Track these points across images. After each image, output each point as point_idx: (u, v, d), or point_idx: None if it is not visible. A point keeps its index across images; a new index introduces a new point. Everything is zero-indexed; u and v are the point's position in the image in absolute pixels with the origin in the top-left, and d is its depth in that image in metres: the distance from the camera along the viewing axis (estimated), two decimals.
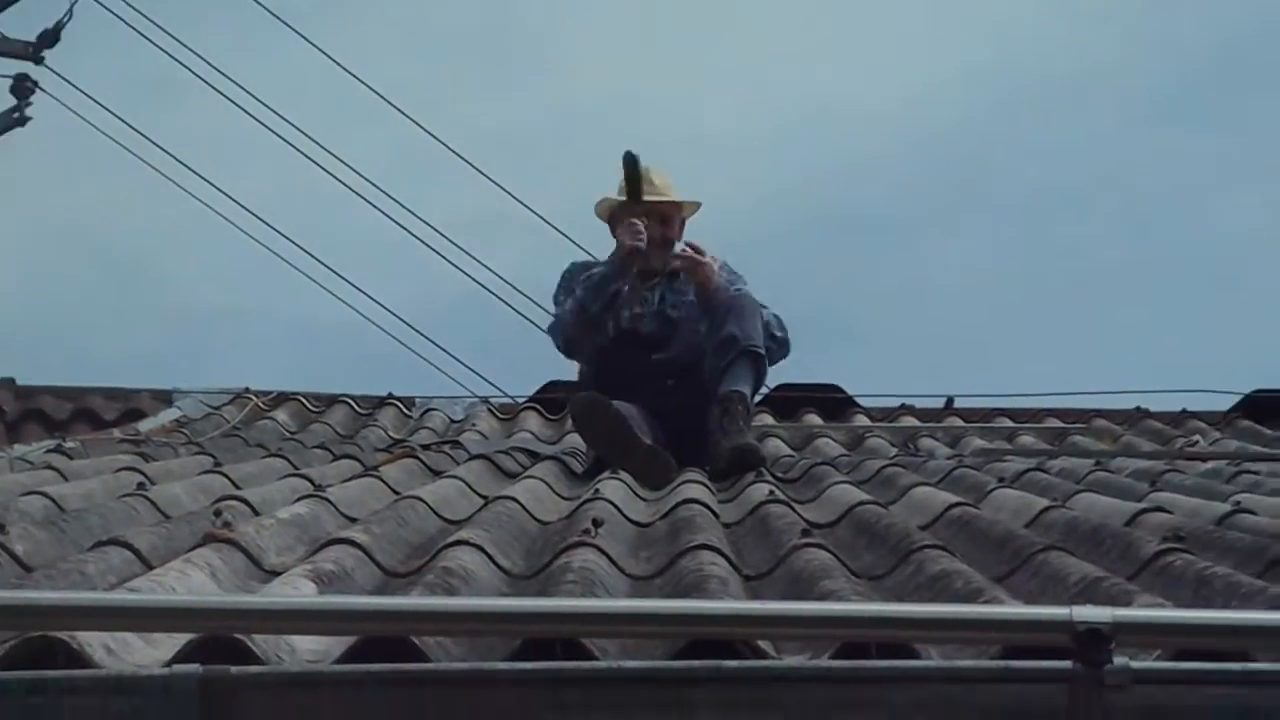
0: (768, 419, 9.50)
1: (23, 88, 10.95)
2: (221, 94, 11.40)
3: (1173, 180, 22.59)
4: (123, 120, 11.31)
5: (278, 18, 11.62)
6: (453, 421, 9.66)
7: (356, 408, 10.04)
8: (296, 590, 3.58)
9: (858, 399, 10.43)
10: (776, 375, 7.47)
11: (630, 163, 7.10)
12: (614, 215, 7.32)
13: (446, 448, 7.66)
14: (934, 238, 22.94)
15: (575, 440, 7.77)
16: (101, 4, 11.15)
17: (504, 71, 22.16)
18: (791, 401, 10.08)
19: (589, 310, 7.11)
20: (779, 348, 7.24)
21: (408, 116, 11.74)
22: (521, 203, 11.48)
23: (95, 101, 11.25)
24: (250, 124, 11.45)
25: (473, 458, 7.00)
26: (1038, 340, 20.97)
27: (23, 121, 10.94)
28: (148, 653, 3.04)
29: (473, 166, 11.65)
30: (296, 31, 11.68)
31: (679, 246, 7.19)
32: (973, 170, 23.01)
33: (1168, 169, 22.69)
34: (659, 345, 7.16)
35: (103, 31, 11.56)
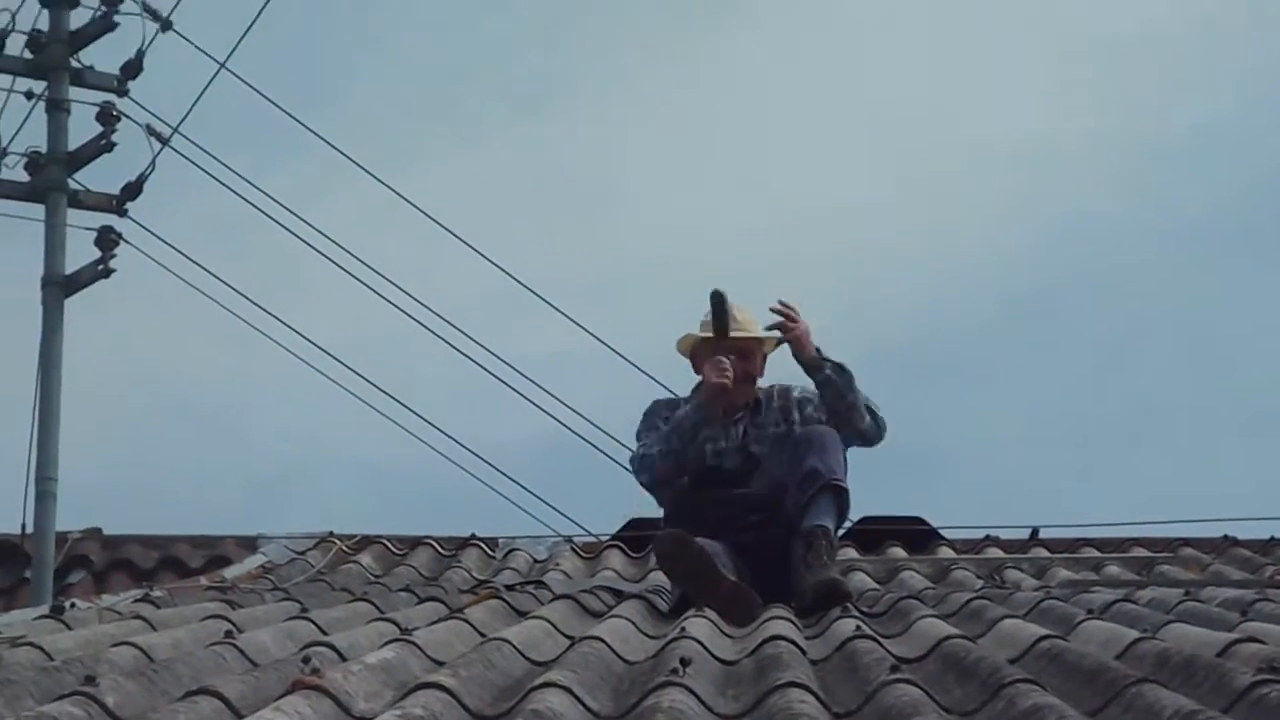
0: (851, 553, 9.47)
1: (107, 240, 11.09)
2: (298, 236, 11.53)
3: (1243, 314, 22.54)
4: (203, 267, 11.45)
5: (353, 160, 11.75)
6: (536, 561, 9.66)
7: (440, 549, 10.05)
8: None
9: (941, 531, 10.39)
10: (870, 471, 7.42)
11: (717, 300, 7.14)
12: (696, 351, 7.34)
13: (530, 588, 7.65)
14: (1007, 371, 22.87)
15: (659, 578, 7.76)
16: (181, 154, 11.31)
17: (572, 213, 22.32)
18: (875, 534, 10.04)
19: (681, 455, 7.13)
20: (877, 428, 7.22)
21: (484, 255, 11.83)
22: (599, 339, 11.54)
23: (176, 250, 11.40)
24: (326, 266, 11.58)
25: (557, 597, 6.99)
26: (1122, 470, 20.82)
27: (107, 274, 11.07)
28: None
29: (550, 304, 11.72)
30: (370, 173, 11.80)
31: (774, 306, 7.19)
32: (1043, 306, 22.96)
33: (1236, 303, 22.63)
34: (741, 480, 7.16)
35: (183, 179, 11.74)
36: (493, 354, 11.64)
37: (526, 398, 11.53)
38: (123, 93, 11.27)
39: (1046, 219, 22.98)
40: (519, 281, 11.82)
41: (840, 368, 7.13)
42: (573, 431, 11.40)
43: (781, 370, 7.44)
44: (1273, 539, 9.86)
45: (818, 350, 7.15)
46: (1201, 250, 22.67)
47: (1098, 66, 23.72)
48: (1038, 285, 22.49)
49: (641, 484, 7.39)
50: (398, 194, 11.77)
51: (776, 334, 7.33)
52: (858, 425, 7.15)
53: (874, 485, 7.48)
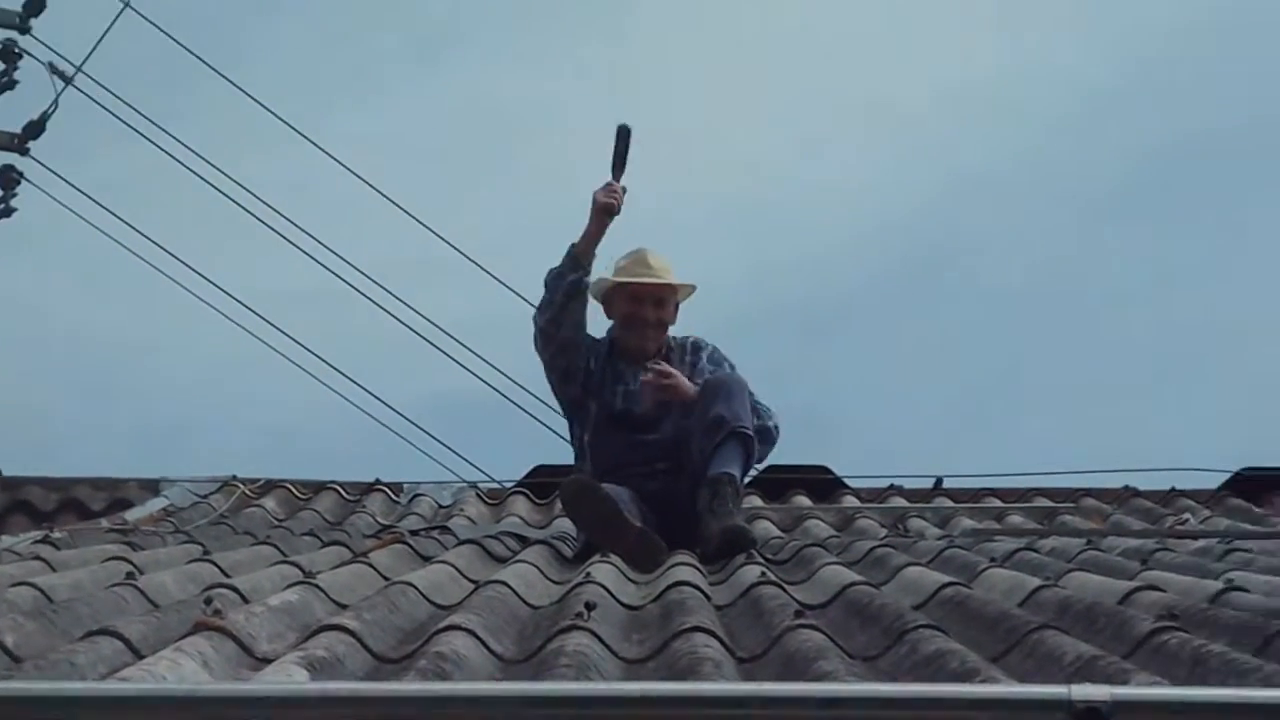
0: (756, 500, 9.49)
1: (8, 179, 10.96)
2: (215, 187, 11.40)
3: (1151, 270, 22.74)
4: (111, 211, 11.32)
5: (281, 119, 11.63)
6: (441, 507, 9.63)
7: (344, 494, 10.01)
8: (289, 677, 3.56)
9: (846, 480, 10.42)
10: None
11: (623, 134, 7.13)
12: (608, 297, 7.34)
13: (435, 533, 7.63)
14: (907, 321, 23.00)
15: (565, 524, 7.75)
16: (87, 95, 11.18)
17: (475, 166, 22.24)
18: (780, 483, 10.07)
19: (559, 309, 7.11)
20: (767, 436, 7.23)
21: (406, 211, 11.75)
22: (510, 287, 11.48)
23: (81, 192, 11.26)
24: (245, 219, 11.46)
25: (462, 543, 6.97)
26: (1024, 421, 20.98)
27: (8, 213, 10.95)
28: None
29: (465, 256, 11.65)
30: (299, 131, 11.68)
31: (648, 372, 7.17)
32: (941, 255, 23.09)
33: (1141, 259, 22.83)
34: (649, 427, 7.15)
35: (89, 122, 11.59)
36: (406, 304, 11.55)
37: (432, 342, 11.46)
38: (25, 30, 11.12)
39: (944, 178, 23.08)
40: (443, 239, 11.72)
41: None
42: (475, 375, 11.35)
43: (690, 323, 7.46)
44: (1173, 490, 9.94)
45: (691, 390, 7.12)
46: (1093, 213, 22.83)
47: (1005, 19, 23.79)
48: (930, 244, 22.59)
49: (543, 359, 7.34)
50: (317, 145, 11.64)
51: (692, 283, 7.34)
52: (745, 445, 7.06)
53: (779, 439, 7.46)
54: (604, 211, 7.12)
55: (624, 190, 7.14)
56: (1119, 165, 23.30)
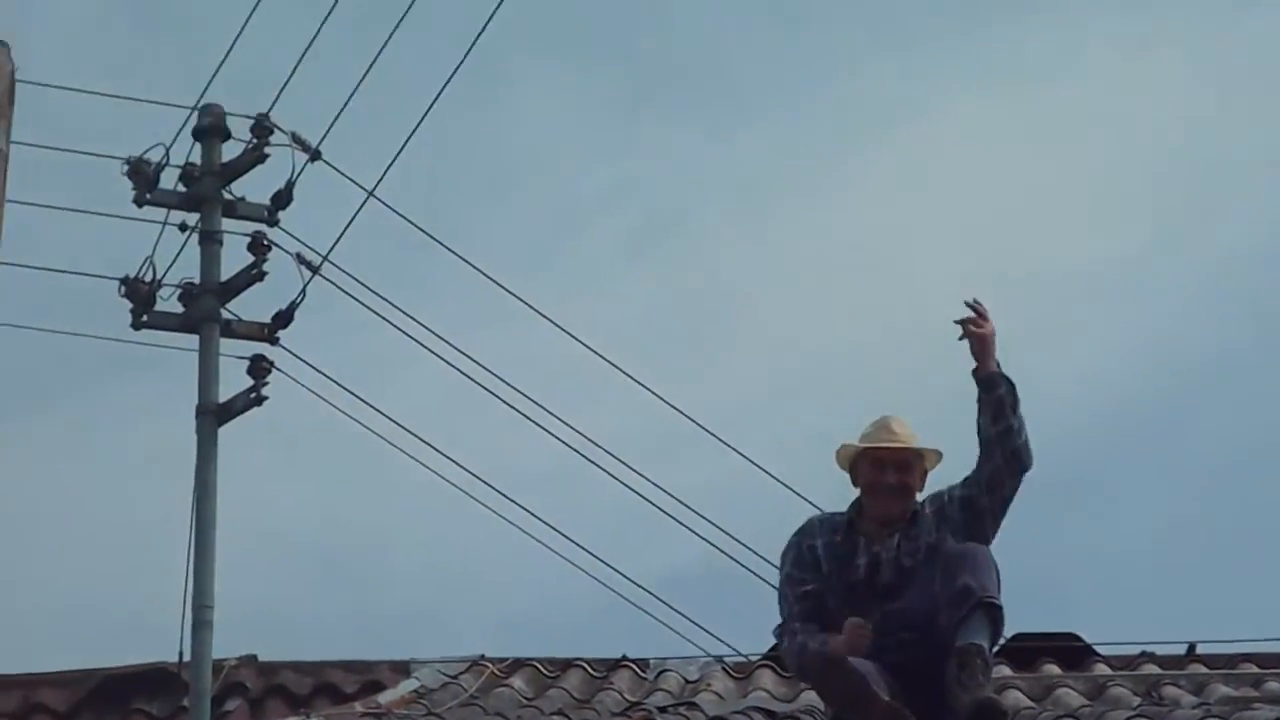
0: (1005, 670, 9.38)
1: (259, 368, 11.22)
2: (454, 367, 11.60)
3: None
4: (354, 394, 11.54)
5: (516, 295, 11.83)
6: (688, 682, 9.64)
7: (591, 671, 10.05)
8: None
9: (1096, 647, 10.27)
10: (1020, 588, 7.30)
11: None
12: (855, 463, 7.33)
13: (683, 709, 7.64)
14: (1153, 485, 22.63)
15: (812, 697, 7.73)
16: (332, 282, 11.45)
17: (704, 341, 22.41)
18: (1028, 651, 9.94)
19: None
20: (1028, 450, 7.06)
21: (643, 384, 11.85)
22: (747, 457, 11.52)
23: (328, 377, 11.51)
24: (478, 398, 11.64)
25: None
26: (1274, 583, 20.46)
27: (260, 401, 11.19)
28: None
29: (708, 430, 11.69)
30: (533, 308, 11.86)
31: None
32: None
33: None
34: (894, 596, 7.10)
35: (335, 314, 11.86)
36: (644, 476, 11.61)
37: (678, 520, 11.48)
38: (273, 223, 11.43)
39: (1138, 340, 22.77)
40: (678, 410, 11.79)
41: (1013, 386, 7.03)
42: (720, 549, 11.35)
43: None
44: None
45: (998, 364, 7.05)
46: None
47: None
48: (1137, 403, 22.22)
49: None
50: (558, 326, 11.79)
51: (938, 448, 7.29)
52: (1012, 444, 6.98)
53: (1025, 600, 7.38)
54: (849, 653, 6.88)
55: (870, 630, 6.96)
56: None
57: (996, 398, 7.00)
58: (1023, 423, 7.03)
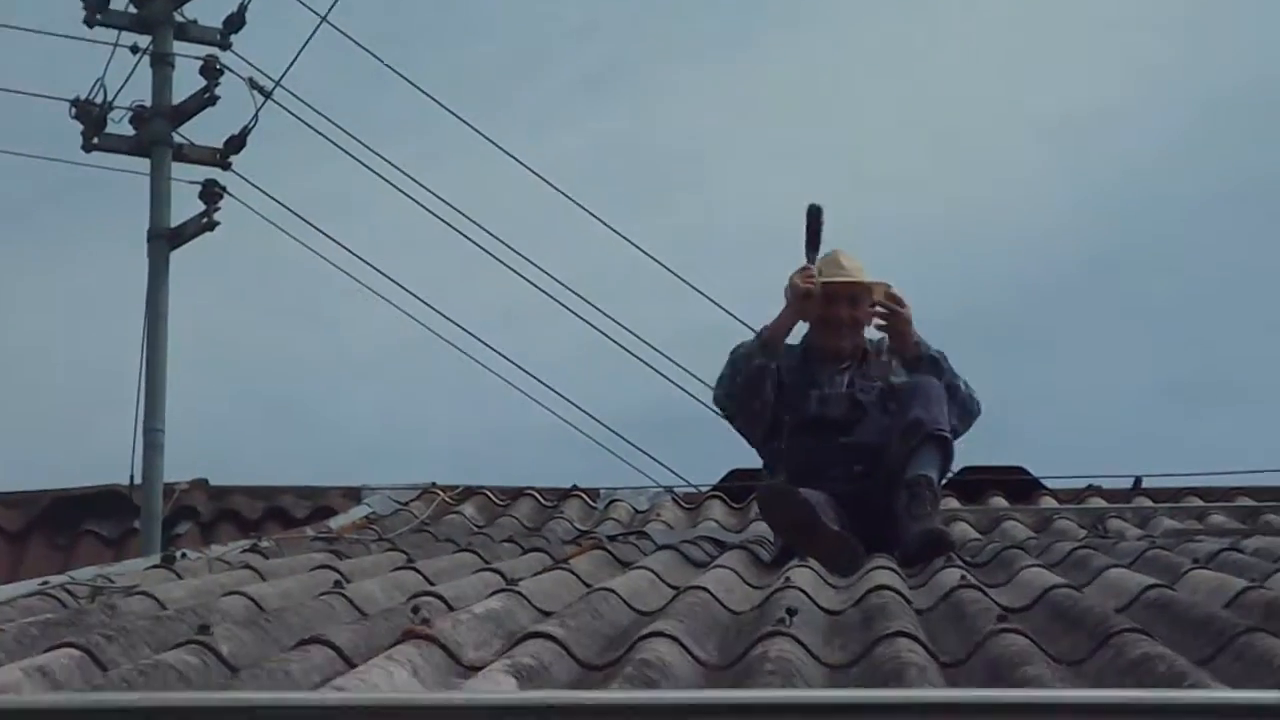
0: (953, 502, 9.44)
1: (211, 193, 11.16)
2: (416, 201, 11.54)
3: None
4: (307, 221, 11.50)
5: (477, 129, 11.76)
6: (637, 512, 9.68)
7: (542, 500, 10.09)
8: (497, 685, 3.62)
9: (1043, 480, 10.35)
10: (967, 444, 7.40)
11: (813, 215, 7.14)
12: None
13: (633, 538, 7.68)
14: (1097, 323, 22.71)
15: (761, 528, 7.77)
16: (288, 110, 11.36)
17: (655, 190, 22.35)
18: (977, 485, 10.02)
19: (743, 391, 7.12)
20: (968, 410, 7.19)
21: (604, 222, 11.83)
22: (703, 293, 11.54)
23: (281, 204, 11.45)
24: (433, 232, 11.60)
25: (660, 548, 7.02)
26: (1226, 419, 20.65)
27: (212, 226, 11.14)
28: None
29: (675, 273, 11.72)
30: (494, 143, 11.79)
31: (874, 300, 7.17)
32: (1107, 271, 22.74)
33: None
34: (846, 429, 7.14)
35: (289, 137, 11.78)
36: (601, 310, 11.64)
37: (638, 356, 11.52)
38: (225, 46, 11.33)
39: (1097, 185, 22.79)
40: (642, 250, 11.79)
41: (935, 360, 7.14)
42: (671, 380, 11.41)
43: None
44: None
45: (917, 343, 7.15)
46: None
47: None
48: (1099, 251, 22.29)
49: (719, 404, 7.40)
50: (520, 162, 11.73)
51: (886, 282, 7.31)
52: (956, 399, 7.12)
53: (976, 440, 7.44)
54: (802, 296, 7.10)
55: (820, 273, 7.13)
56: None
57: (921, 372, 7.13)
58: (955, 385, 7.15)
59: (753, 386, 7.10)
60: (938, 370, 7.10)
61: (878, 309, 7.15)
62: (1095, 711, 2.86)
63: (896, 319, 7.12)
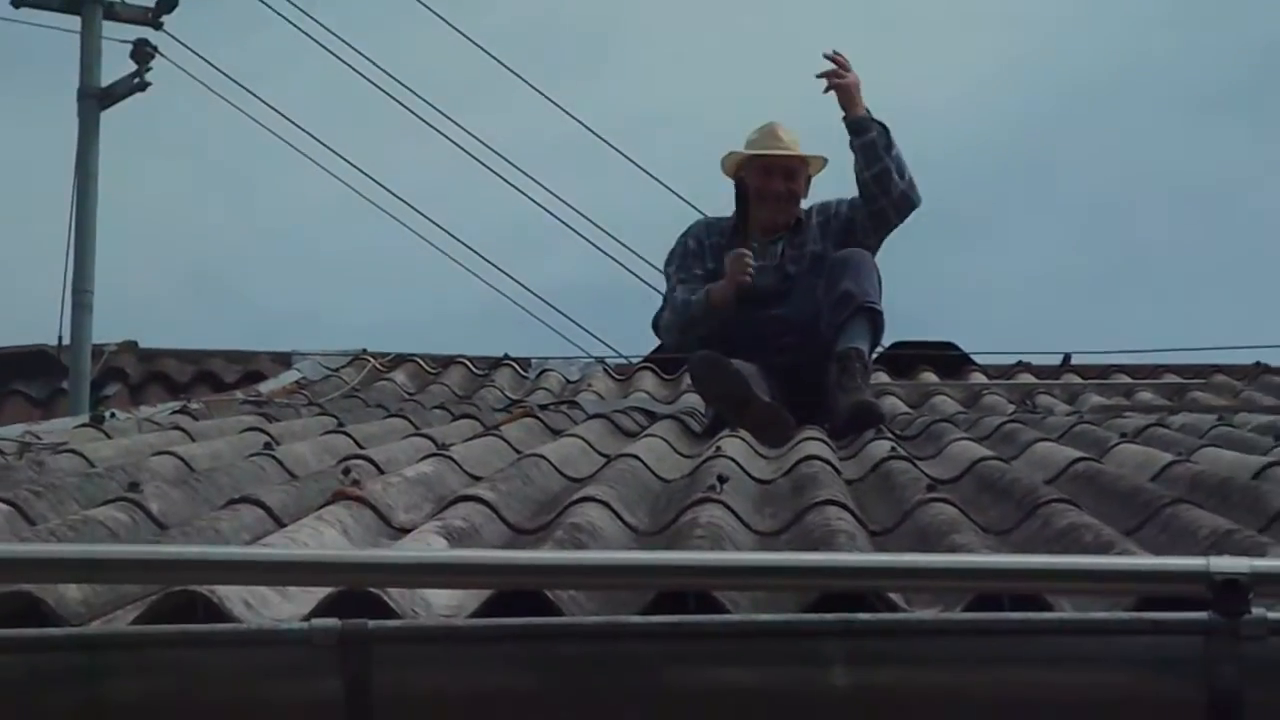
0: (884, 377, 9.47)
1: (142, 53, 11.02)
2: (351, 67, 11.45)
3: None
4: (243, 86, 11.41)
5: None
6: (569, 382, 9.70)
7: (473, 369, 10.09)
8: (428, 546, 3.62)
9: (973, 356, 10.40)
10: (900, 299, 7.39)
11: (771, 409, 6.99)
12: (740, 169, 7.31)
13: (564, 407, 7.69)
14: (1029, 215, 22.80)
15: (692, 399, 7.79)
16: None
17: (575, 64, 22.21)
18: (907, 359, 10.06)
19: (685, 335, 7.16)
20: (914, 189, 7.08)
21: (537, 90, 11.76)
22: (649, 172, 11.50)
23: (214, 66, 11.35)
24: (379, 101, 11.52)
25: (591, 417, 7.03)
26: (1153, 301, 20.79)
27: (143, 87, 11.02)
28: (284, 607, 3.08)
29: (609, 143, 11.67)
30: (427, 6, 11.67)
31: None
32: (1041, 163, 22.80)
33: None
34: (777, 301, 7.14)
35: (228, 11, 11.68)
36: (544, 187, 11.61)
37: (570, 226, 11.49)
38: None
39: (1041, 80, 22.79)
40: (575, 118, 11.74)
41: (885, 129, 7.05)
42: (605, 253, 11.40)
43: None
44: None
45: (866, 110, 7.07)
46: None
47: None
48: (1026, 144, 22.34)
49: (657, 334, 7.44)
50: (453, 27, 11.64)
51: (823, 155, 7.29)
52: (894, 191, 7.01)
53: (907, 320, 7.46)
54: (737, 288, 6.99)
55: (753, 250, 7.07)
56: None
57: (868, 141, 7.01)
58: (902, 163, 7.04)
59: (699, 334, 7.10)
60: (886, 137, 7.02)
61: (829, 59, 7.05)
62: (1022, 577, 2.88)
63: (843, 81, 7.05)
